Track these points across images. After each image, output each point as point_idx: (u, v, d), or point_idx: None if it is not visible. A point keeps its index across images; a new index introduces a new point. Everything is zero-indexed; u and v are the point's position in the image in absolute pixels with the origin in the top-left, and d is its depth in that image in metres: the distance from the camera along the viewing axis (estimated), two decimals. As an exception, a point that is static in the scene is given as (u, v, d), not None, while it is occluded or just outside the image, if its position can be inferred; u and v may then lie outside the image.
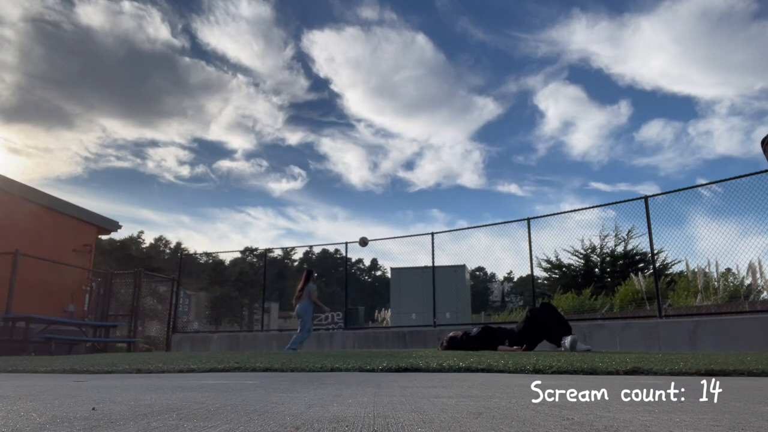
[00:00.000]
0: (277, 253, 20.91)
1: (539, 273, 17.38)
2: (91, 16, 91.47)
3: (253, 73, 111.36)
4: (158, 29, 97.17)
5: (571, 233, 10.62)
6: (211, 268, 58.11)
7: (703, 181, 12.63)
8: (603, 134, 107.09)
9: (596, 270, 16.91)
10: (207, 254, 70.77)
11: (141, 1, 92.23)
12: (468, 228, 11.25)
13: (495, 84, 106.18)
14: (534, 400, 1.43)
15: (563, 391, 1.69)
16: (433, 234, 10.40)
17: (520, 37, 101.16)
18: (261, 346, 10.95)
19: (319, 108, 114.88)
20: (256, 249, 20.93)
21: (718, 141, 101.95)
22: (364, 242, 8.85)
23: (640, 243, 15.74)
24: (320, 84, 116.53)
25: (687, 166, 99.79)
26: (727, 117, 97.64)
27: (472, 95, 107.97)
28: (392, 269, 13.98)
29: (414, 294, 11.99)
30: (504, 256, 10.63)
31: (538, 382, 2.11)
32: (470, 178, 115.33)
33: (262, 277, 13.18)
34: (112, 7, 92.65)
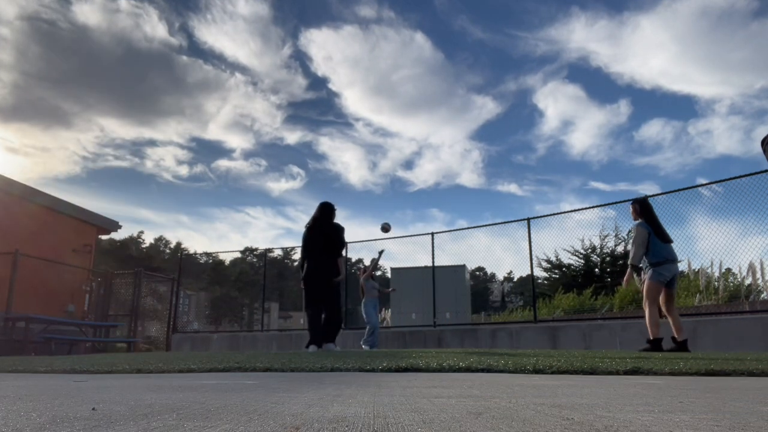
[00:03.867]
0: (277, 253, 20.90)
1: (539, 273, 17.40)
2: (87, 14, 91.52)
3: (251, 71, 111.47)
4: (155, 28, 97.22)
5: (571, 233, 10.61)
6: (211, 268, 58.14)
7: (703, 181, 12.64)
8: (602, 133, 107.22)
9: (596, 270, 16.91)
10: (207, 254, 70.83)
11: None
12: (468, 228, 11.26)
13: (494, 83, 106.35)
14: (534, 400, 1.43)
15: (563, 391, 1.69)
16: (433, 234, 10.40)
17: (519, 35, 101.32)
18: (261, 346, 10.95)
19: (318, 107, 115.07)
20: (256, 249, 20.96)
21: (718, 140, 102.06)
22: (386, 228, 8.23)
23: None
24: (318, 83, 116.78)
25: (687, 166, 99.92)
26: (727, 116, 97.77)
27: (471, 94, 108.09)
28: (392, 269, 13.98)
29: (414, 294, 11.97)
30: (504, 256, 10.64)
31: (539, 381, 2.11)
32: (470, 177, 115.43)
33: (262, 277, 13.18)
34: (109, 6, 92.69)
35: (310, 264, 6.04)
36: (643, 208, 5.51)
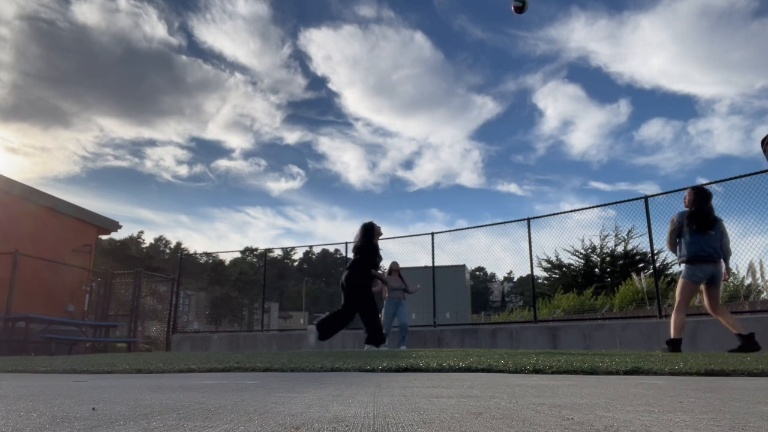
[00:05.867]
0: (277, 253, 20.92)
1: (539, 273, 17.40)
2: (86, 14, 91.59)
3: (250, 71, 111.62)
4: (155, 27, 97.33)
5: (571, 233, 10.59)
6: (211, 268, 58.12)
7: (703, 181, 12.64)
8: (602, 133, 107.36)
9: (596, 270, 16.91)
10: (207, 254, 70.85)
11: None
12: (468, 228, 11.26)
13: (494, 83, 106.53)
14: (534, 400, 1.43)
15: (563, 391, 1.69)
16: (433, 234, 10.39)
17: (519, 35, 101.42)
18: (261, 346, 10.95)
19: (317, 107, 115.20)
20: (256, 249, 20.94)
21: (718, 140, 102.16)
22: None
23: (640, 243, 15.77)
24: (318, 82, 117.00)
25: (687, 166, 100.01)
26: (727, 116, 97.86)
27: (470, 94, 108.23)
28: (392, 269, 13.95)
29: (414, 294, 11.96)
30: (504, 256, 10.62)
31: (539, 381, 2.11)
32: (469, 177, 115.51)
33: (262, 277, 13.16)
34: (108, 5, 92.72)
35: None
36: (696, 197, 5.09)
